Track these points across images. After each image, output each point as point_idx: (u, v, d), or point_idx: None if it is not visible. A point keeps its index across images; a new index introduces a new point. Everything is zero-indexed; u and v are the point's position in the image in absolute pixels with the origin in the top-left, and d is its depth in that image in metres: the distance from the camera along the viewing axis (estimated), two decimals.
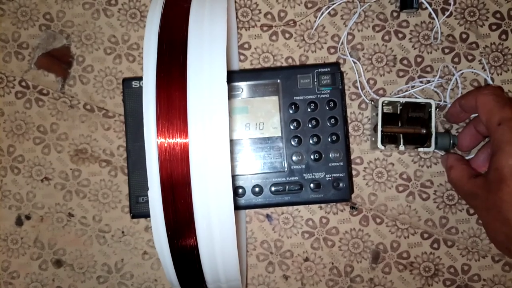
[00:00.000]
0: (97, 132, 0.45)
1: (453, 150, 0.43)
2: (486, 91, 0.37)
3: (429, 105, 0.41)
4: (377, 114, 0.41)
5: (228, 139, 0.26)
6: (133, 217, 0.41)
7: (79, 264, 0.45)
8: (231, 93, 0.41)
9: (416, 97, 0.44)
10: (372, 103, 0.44)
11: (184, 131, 0.26)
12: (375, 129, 0.42)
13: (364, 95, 0.44)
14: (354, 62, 0.44)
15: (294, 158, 0.41)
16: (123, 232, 0.45)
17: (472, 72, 0.44)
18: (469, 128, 0.41)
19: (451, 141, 0.41)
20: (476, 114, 0.40)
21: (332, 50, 0.45)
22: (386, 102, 0.42)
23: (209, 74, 0.26)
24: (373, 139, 0.42)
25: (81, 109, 0.45)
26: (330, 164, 0.41)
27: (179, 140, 0.26)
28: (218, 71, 0.26)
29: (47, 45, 0.45)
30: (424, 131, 0.41)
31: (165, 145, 0.26)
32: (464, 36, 0.44)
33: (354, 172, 0.44)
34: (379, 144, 0.41)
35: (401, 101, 0.41)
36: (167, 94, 0.26)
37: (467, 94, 0.40)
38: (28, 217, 0.45)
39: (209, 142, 0.26)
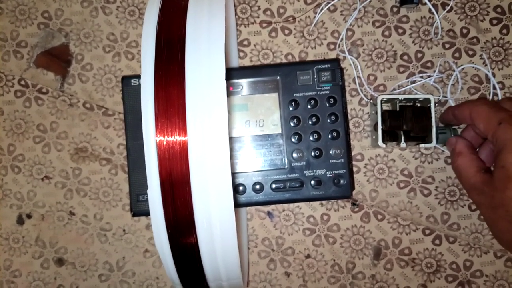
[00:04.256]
0: (97, 130, 0.45)
1: None
2: (479, 102, 0.38)
3: (428, 100, 0.41)
4: (376, 112, 0.41)
5: (227, 137, 0.25)
6: (134, 215, 0.41)
7: (80, 263, 0.45)
8: (231, 91, 0.41)
9: (416, 93, 0.44)
10: (371, 101, 0.44)
11: (183, 129, 0.26)
12: (375, 127, 0.42)
13: (363, 92, 0.44)
14: (353, 60, 0.44)
15: (294, 155, 0.41)
16: (124, 230, 0.45)
17: (473, 67, 0.44)
18: (467, 131, 0.41)
19: (452, 135, 0.41)
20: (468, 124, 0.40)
21: (332, 46, 0.45)
22: (384, 99, 0.41)
23: (207, 71, 0.26)
24: (374, 137, 0.42)
25: (80, 107, 0.45)
26: (330, 161, 0.41)
27: (178, 138, 0.26)
28: (217, 68, 0.26)
29: (45, 44, 0.45)
30: (425, 134, 0.41)
31: (164, 143, 0.26)
32: (464, 31, 0.44)
33: (355, 169, 0.44)
34: (380, 142, 0.41)
35: (400, 98, 0.41)
36: (165, 92, 0.26)
37: (461, 105, 0.40)
38: (29, 216, 0.45)
39: (208, 140, 0.26)
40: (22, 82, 0.45)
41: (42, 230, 0.45)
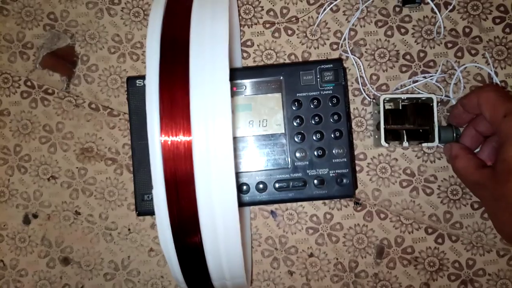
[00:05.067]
0: (102, 130, 0.45)
1: None
2: (487, 88, 0.38)
3: (431, 100, 0.41)
4: (378, 112, 0.41)
5: (231, 137, 0.26)
6: (139, 214, 0.41)
7: (86, 262, 0.45)
8: (235, 91, 0.42)
9: (419, 93, 0.44)
10: (374, 101, 0.44)
11: (187, 129, 0.26)
12: (377, 126, 0.42)
13: (366, 92, 0.44)
14: (355, 60, 0.44)
15: (297, 154, 0.41)
16: (129, 229, 0.45)
17: (476, 66, 0.44)
18: (469, 130, 0.41)
19: (454, 134, 0.41)
20: (477, 114, 0.39)
21: (335, 46, 0.45)
22: (387, 99, 0.41)
23: (211, 72, 0.26)
24: (376, 136, 0.43)
25: (86, 108, 0.45)
26: (333, 160, 0.41)
27: (182, 138, 0.26)
28: (221, 69, 0.26)
29: (51, 45, 0.46)
30: (427, 127, 0.41)
31: (169, 143, 0.26)
32: (467, 30, 0.44)
33: (357, 168, 0.44)
34: (382, 142, 0.41)
35: (403, 97, 0.41)
36: (170, 93, 0.26)
37: (469, 93, 0.40)
38: (35, 216, 0.45)
39: (213, 140, 0.26)
40: (28, 83, 0.46)
41: (48, 229, 0.45)
